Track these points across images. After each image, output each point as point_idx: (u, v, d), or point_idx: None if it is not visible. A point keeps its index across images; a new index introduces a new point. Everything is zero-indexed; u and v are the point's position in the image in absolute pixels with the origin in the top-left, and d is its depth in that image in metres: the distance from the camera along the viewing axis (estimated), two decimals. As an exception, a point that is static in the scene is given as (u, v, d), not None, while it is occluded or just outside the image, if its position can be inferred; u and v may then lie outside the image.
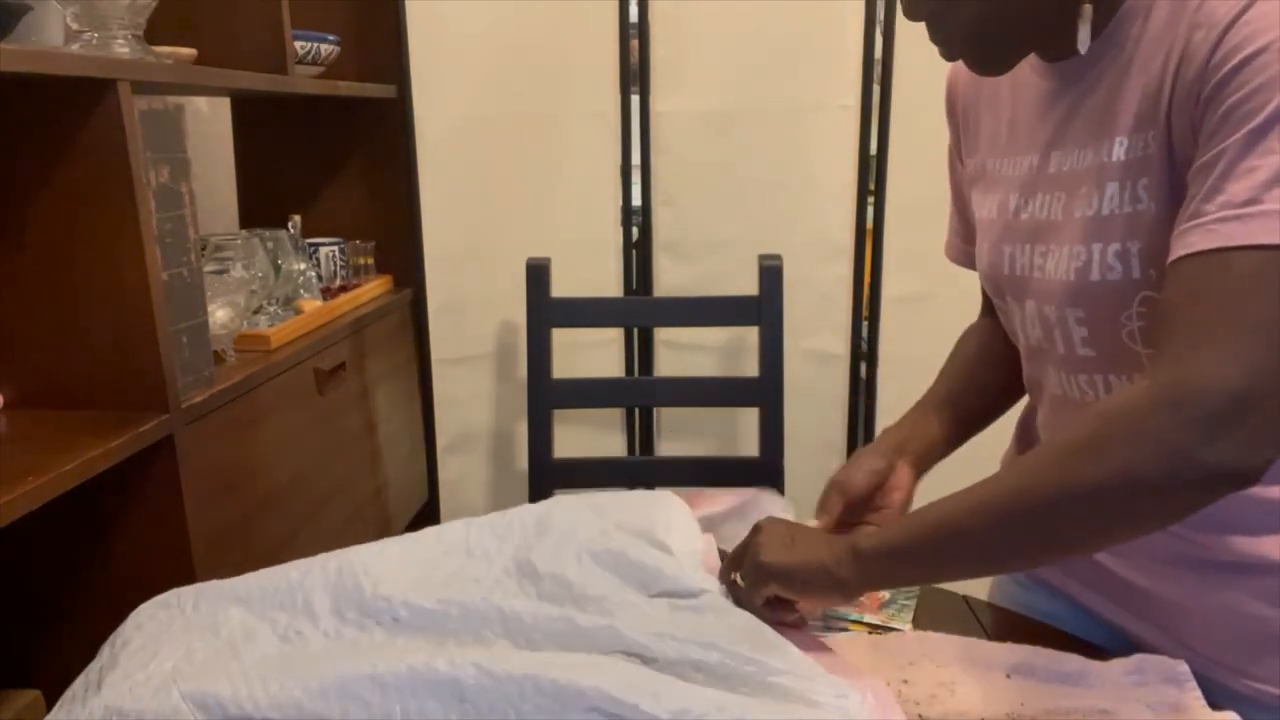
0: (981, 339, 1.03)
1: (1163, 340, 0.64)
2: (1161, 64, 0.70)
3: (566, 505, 0.90)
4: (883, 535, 0.74)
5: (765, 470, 1.59)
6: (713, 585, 0.79)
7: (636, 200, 1.95)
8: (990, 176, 0.90)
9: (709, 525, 0.93)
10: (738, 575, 0.80)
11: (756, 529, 0.81)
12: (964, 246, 1.00)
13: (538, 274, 1.58)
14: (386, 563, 0.80)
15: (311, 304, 1.60)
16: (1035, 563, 0.87)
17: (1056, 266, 0.78)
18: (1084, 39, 0.74)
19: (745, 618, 0.75)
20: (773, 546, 0.77)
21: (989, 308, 1.04)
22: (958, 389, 1.01)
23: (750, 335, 1.72)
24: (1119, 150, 0.73)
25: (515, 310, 1.76)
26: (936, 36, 0.77)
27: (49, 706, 0.81)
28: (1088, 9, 0.73)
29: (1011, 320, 0.88)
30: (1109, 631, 0.91)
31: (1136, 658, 0.80)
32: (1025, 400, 1.00)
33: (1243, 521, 0.77)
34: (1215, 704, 0.76)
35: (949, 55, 0.78)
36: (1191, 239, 0.63)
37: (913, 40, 1.79)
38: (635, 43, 1.87)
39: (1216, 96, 0.64)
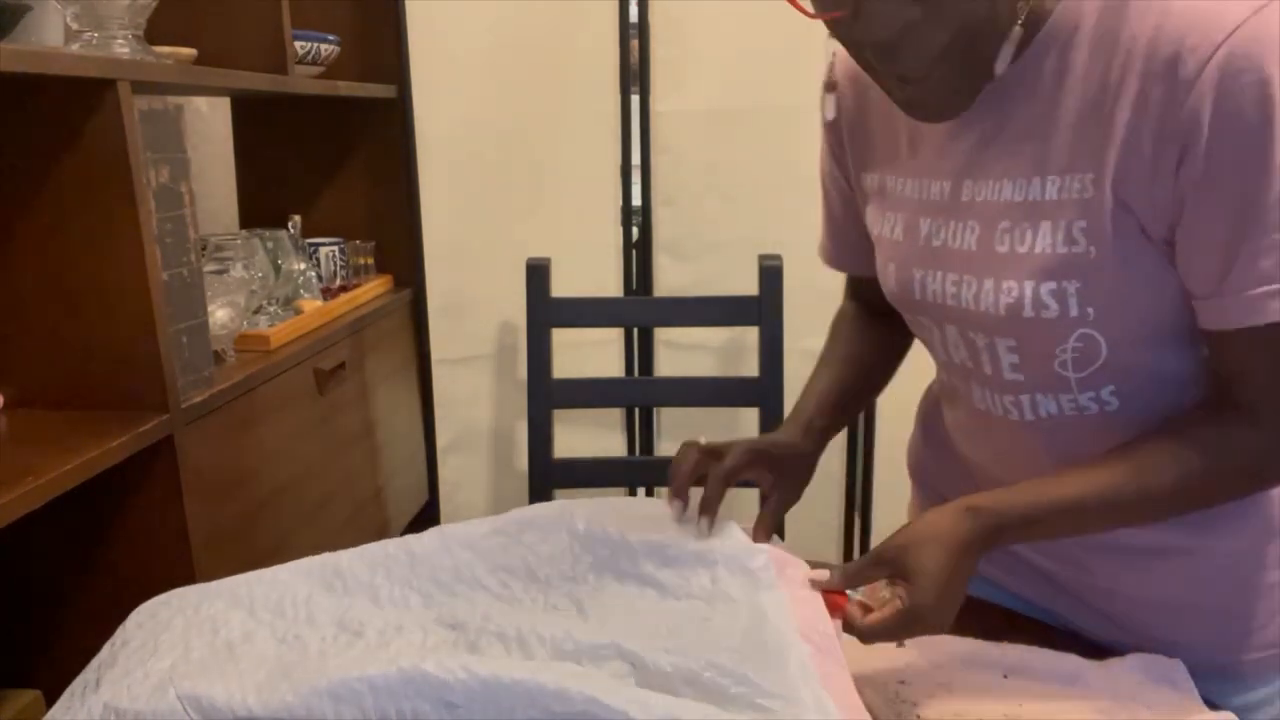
0: (854, 339, 1.04)
1: (1265, 391, 0.72)
2: (1099, 110, 0.70)
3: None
4: (1019, 534, 0.76)
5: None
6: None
7: (636, 200, 1.95)
8: (891, 195, 0.87)
9: None
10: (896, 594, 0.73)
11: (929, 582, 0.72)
12: (837, 253, 1.02)
13: (538, 274, 1.58)
14: (390, 562, 0.81)
15: (311, 304, 1.60)
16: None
17: (981, 298, 0.78)
18: (1004, 60, 0.72)
19: (757, 616, 0.73)
20: (949, 609, 0.73)
21: (853, 292, 1.07)
22: (849, 380, 1.00)
23: (750, 335, 1.71)
24: (1051, 190, 0.73)
25: (515, 310, 1.76)
26: (892, 71, 0.71)
27: (49, 706, 0.81)
28: (1016, 31, 0.71)
29: (927, 336, 0.89)
30: (1036, 609, 0.96)
31: (1133, 657, 0.80)
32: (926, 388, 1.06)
33: None
34: (1213, 704, 0.76)
35: (907, 97, 0.74)
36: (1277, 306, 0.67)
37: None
38: (635, 43, 1.87)
39: (1214, 155, 0.66)
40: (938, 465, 1.02)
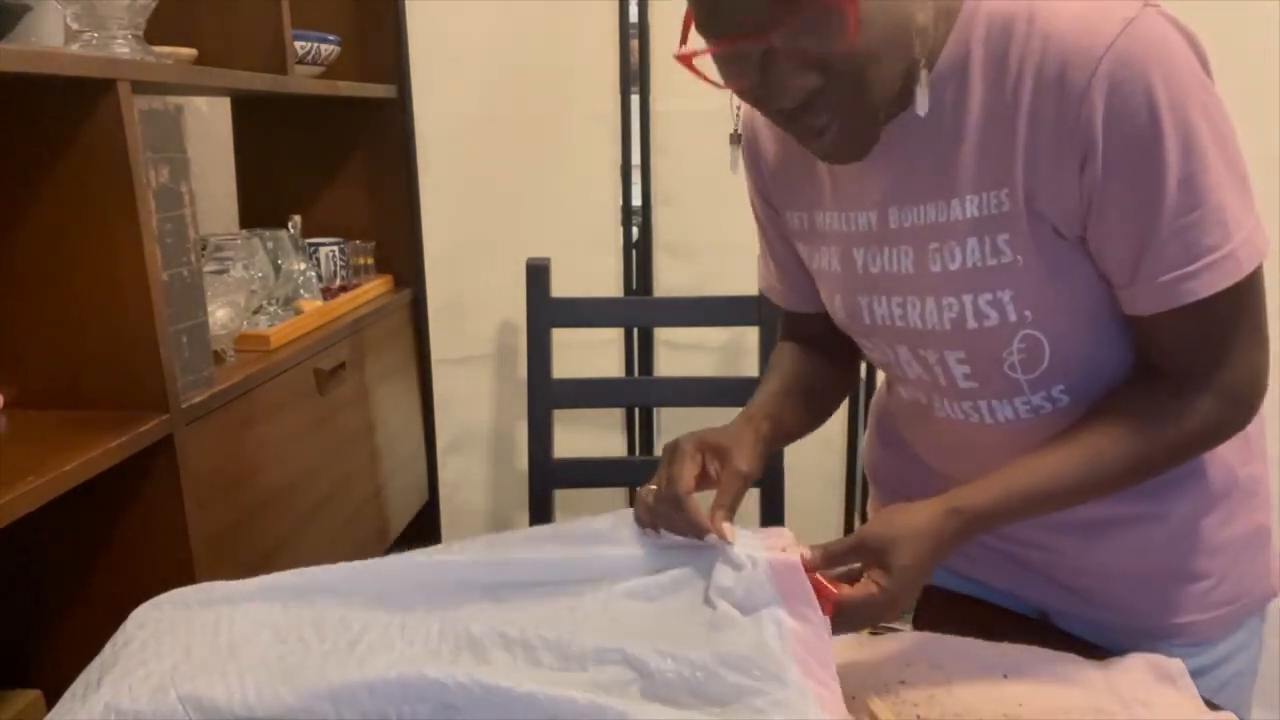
0: (795, 362, 1.02)
1: (1190, 363, 0.77)
2: (1000, 129, 0.74)
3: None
4: (990, 527, 0.78)
5: (765, 469, 1.58)
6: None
7: (636, 200, 1.95)
8: (820, 230, 0.90)
9: None
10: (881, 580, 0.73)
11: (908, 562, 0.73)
12: (788, 292, 1.02)
13: (538, 274, 1.58)
14: (394, 568, 0.80)
15: (311, 304, 1.60)
16: None
17: (925, 316, 0.82)
18: (923, 102, 0.76)
19: (764, 632, 0.72)
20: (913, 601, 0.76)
21: (789, 332, 1.06)
22: (788, 403, 0.98)
23: (750, 335, 1.71)
24: (970, 208, 0.77)
25: (515, 310, 1.76)
26: (799, 129, 0.75)
27: (49, 706, 0.81)
28: (924, 74, 0.75)
29: (882, 357, 0.92)
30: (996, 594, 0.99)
31: (1133, 657, 0.81)
32: (878, 391, 1.11)
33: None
34: (1213, 704, 0.76)
35: (820, 148, 0.77)
36: (1191, 286, 0.72)
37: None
38: (635, 43, 1.87)
39: (1111, 160, 0.70)
40: (895, 466, 1.05)
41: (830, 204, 0.88)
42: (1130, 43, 0.68)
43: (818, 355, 1.03)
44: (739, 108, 0.91)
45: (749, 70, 0.72)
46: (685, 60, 0.75)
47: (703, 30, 0.73)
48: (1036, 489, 0.78)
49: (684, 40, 0.76)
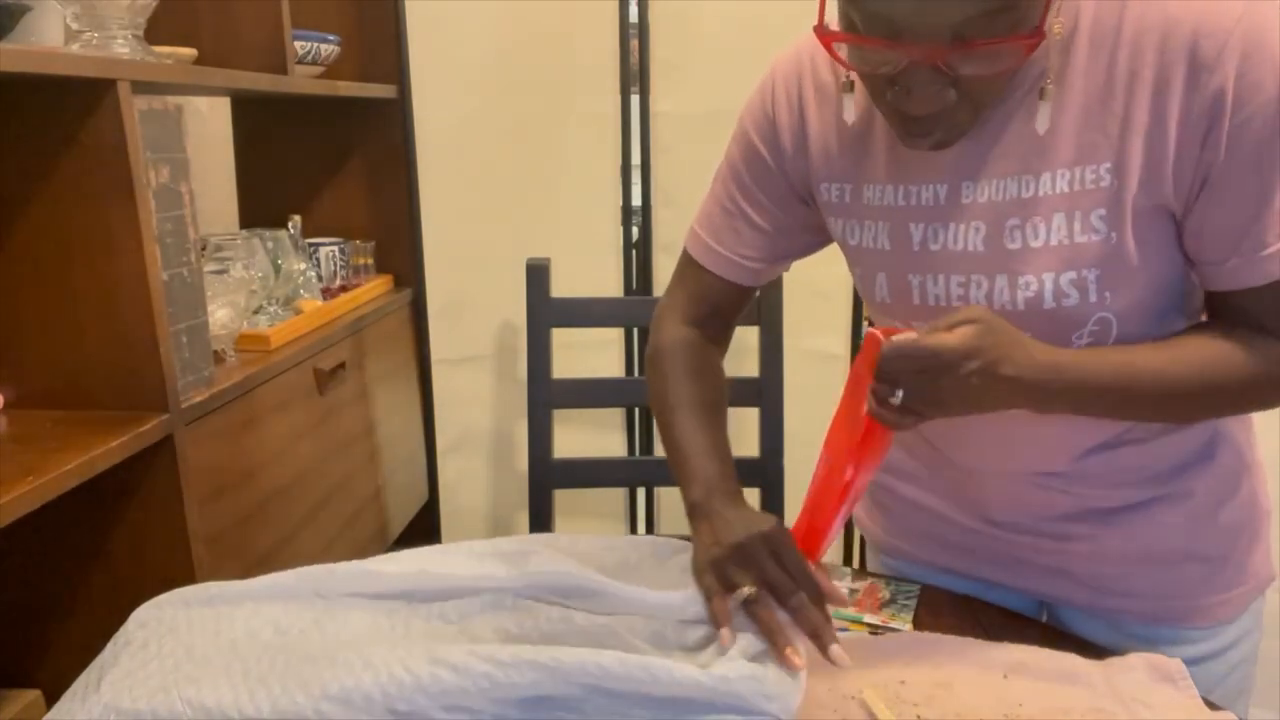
0: (713, 379, 1.04)
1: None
2: (1108, 104, 0.74)
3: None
4: (1071, 387, 0.75)
5: (765, 470, 1.59)
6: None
7: (636, 200, 1.96)
8: (868, 204, 0.87)
9: None
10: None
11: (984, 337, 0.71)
12: (739, 257, 0.97)
13: (538, 274, 1.58)
14: (387, 568, 0.81)
15: (311, 304, 1.60)
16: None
17: (993, 296, 0.79)
18: (1044, 120, 0.75)
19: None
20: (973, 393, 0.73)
21: (709, 312, 1.05)
22: (718, 424, 1.02)
23: (750, 335, 1.71)
24: (1061, 183, 0.76)
25: (515, 310, 1.76)
26: (932, 127, 0.74)
27: (49, 706, 0.81)
28: (1050, 89, 0.74)
29: None
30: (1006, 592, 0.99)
31: (1133, 656, 0.81)
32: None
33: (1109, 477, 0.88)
34: (1213, 704, 0.76)
35: (934, 144, 0.76)
36: None
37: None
38: (635, 43, 1.87)
39: (1238, 128, 0.70)
40: (895, 455, 1.02)
41: (884, 177, 0.85)
42: (1258, 17, 0.70)
43: (712, 348, 1.05)
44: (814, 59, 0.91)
45: (891, 64, 0.70)
46: (826, 41, 0.73)
47: (868, 22, 0.69)
48: (1121, 363, 0.75)
49: (822, 15, 0.73)
